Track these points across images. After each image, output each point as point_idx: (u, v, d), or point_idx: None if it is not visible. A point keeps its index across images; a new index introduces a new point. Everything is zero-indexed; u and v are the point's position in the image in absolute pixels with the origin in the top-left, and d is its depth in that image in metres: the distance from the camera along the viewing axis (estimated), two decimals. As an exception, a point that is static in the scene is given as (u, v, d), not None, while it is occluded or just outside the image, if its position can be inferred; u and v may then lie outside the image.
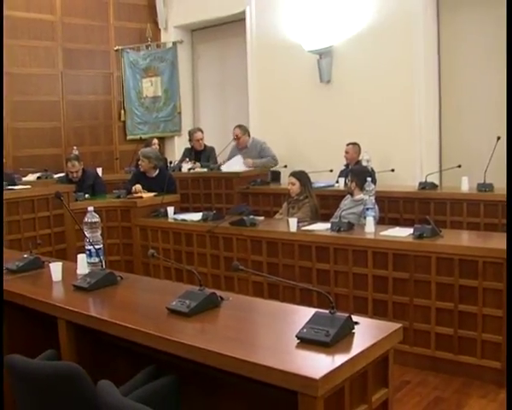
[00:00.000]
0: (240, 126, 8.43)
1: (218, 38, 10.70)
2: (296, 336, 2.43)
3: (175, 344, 2.65)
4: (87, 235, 3.72)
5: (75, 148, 9.17)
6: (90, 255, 3.76)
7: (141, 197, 6.90)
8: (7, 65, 9.51)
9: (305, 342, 2.40)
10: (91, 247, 3.71)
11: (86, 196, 7.21)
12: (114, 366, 3.28)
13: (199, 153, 8.75)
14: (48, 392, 2.60)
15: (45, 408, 2.65)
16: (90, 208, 3.81)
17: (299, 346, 2.39)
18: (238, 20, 9.84)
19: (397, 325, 2.55)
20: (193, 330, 2.80)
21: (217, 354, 2.45)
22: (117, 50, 10.79)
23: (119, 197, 7.06)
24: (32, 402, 2.69)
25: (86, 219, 3.78)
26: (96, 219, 3.78)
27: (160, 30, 11.10)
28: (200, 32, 10.98)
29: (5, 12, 9.45)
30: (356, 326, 2.50)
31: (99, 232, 3.80)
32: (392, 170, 7.14)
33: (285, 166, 7.94)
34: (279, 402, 2.42)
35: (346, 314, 2.49)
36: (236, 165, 7.95)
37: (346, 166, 7.57)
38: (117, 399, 2.29)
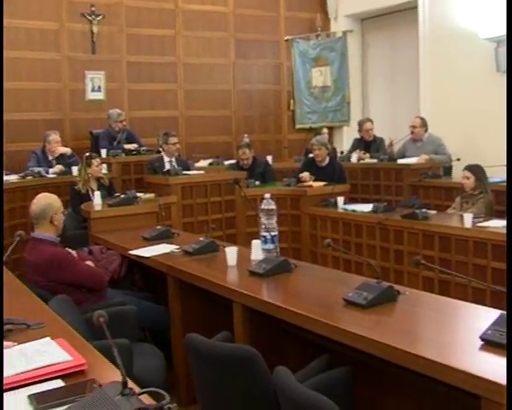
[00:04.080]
0: (420, 118, 8.20)
1: (389, 27, 10.47)
2: (480, 338, 2.31)
3: (351, 335, 2.61)
4: (263, 221, 3.75)
5: (246, 135, 9.33)
6: (265, 242, 3.79)
7: (311, 186, 6.89)
8: (182, 55, 9.89)
9: (490, 344, 2.28)
10: (267, 233, 3.73)
11: (256, 183, 7.32)
12: (285, 352, 3.30)
13: (368, 143, 8.61)
14: (224, 372, 2.65)
15: (220, 387, 2.71)
16: (267, 195, 3.85)
17: (482, 348, 2.28)
18: (410, 8, 9.58)
19: None
20: (369, 322, 2.76)
21: (390, 348, 2.40)
22: (287, 40, 10.86)
23: (288, 185, 7.10)
24: (208, 379, 2.76)
25: (263, 206, 3.82)
26: (273, 206, 3.81)
27: (329, 19, 11.04)
28: (370, 20, 10.80)
29: (181, 5, 9.83)
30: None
31: (275, 219, 3.83)
32: None
33: (458, 160, 7.62)
34: (450, 404, 2.33)
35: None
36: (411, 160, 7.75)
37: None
38: (293, 386, 2.29)
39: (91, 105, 9.27)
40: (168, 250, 4.40)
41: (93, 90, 9.32)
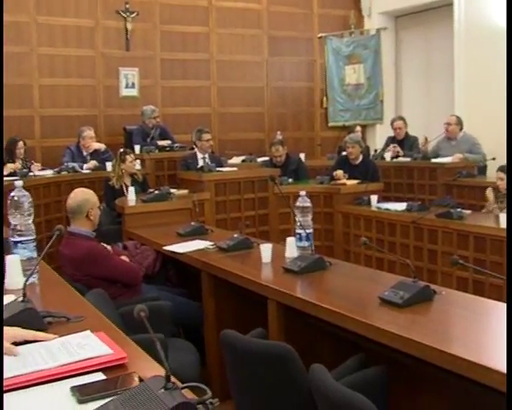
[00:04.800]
0: (456, 116, 8.12)
1: (423, 24, 10.39)
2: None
3: (387, 334, 2.60)
4: (298, 219, 3.74)
5: (279, 133, 9.33)
6: (300, 239, 3.79)
7: (344, 184, 6.87)
8: (216, 52, 9.92)
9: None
10: (302, 231, 3.73)
11: (290, 180, 7.31)
12: (318, 350, 3.29)
13: (401, 142, 8.56)
14: (259, 369, 2.65)
15: (255, 384, 2.71)
16: (303, 193, 3.84)
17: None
18: (445, 5, 9.50)
19: None
20: (405, 321, 2.74)
21: (427, 347, 2.39)
22: (320, 38, 10.84)
23: (322, 183, 7.08)
24: (243, 376, 2.76)
25: (298, 204, 3.81)
26: (308, 203, 3.80)
27: (363, 17, 10.99)
28: (405, 18, 10.73)
29: (215, 3, 9.87)
30: None
31: (310, 217, 3.83)
32: None
33: (493, 159, 7.52)
34: (484, 404, 2.31)
35: None
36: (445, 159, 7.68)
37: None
38: (330, 384, 2.28)
39: (125, 101, 9.36)
40: (202, 247, 4.42)
41: (127, 86, 9.40)
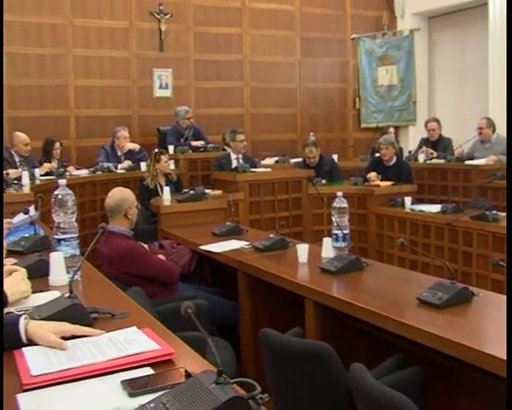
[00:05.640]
0: (487, 118, 8.06)
1: (457, 25, 10.33)
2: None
3: (426, 334, 2.60)
4: (335, 219, 3.76)
5: (312, 134, 9.34)
6: (336, 239, 3.80)
7: (378, 185, 6.86)
8: (249, 53, 9.96)
9: None
10: (339, 231, 3.74)
11: (323, 181, 7.32)
12: (355, 349, 3.30)
13: (435, 143, 8.51)
14: (297, 367, 2.67)
15: (295, 382, 2.73)
16: (340, 193, 3.87)
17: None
18: (480, 6, 9.44)
19: None
20: (443, 322, 2.74)
21: (467, 348, 2.40)
22: (353, 39, 10.84)
23: (355, 184, 7.07)
24: (282, 375, 2.79)
25: (335, 204, 3.83)
26: (345, 204, 3.82)
27: (396, 18, 10.97)
28: (438, 18, 10.68)
29: (248, 4, 9.90)
30: None
31: (346, 217, 3.84)
32: None
33: (529, 161, 7.47)
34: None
35: None
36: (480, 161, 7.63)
37: None
38: (371, 383, 2.29)
39: (158, 102, 9.44)
40: (238, 246, 4.45)
41: (160, 87, 9.49)
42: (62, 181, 3.00)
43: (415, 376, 2.73)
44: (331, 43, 10.75)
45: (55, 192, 2.95)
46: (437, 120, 8.72)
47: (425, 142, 8.66)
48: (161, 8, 9.37)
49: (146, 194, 6.70)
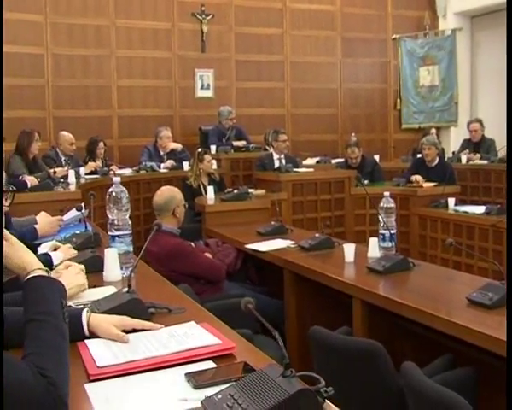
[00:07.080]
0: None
1: (500, 25, 10.19)
2: None
3: (477, 334, 2.60)
4: (382, 219, 3.77)
5: (353, 134, 9.33)
6: (383, 239, 3.81)
7: (421, 186, 6.82)
8: (290, 54, 9.99)
9: None
10: (386, 231, 3.75)
11: (365, 182, 7.30)
12: (402, 348, 3.30)
13: (477, 144, 8.44)
14: (347, 365, 2.69)
15: (345, 380, 2.74)
16: (387, 193, 3.88)
17: None
18: (524, 5, 9.31)
19: None
20: (493, 322, 2.73)
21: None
22: (394, 39, 10.79)
23: (398, 185, 7.04)
24: (333, 372, 2.80)
25: (382, 204, 3.84)
26: (392, 204, 3.83)
27: (437, 17, 10.90)
28: (481, 18, 10.56)
29: (289, 4, 9.93)
30: None
31: (393, 217, 3.85)
32: None
33: None
34: None
35: None
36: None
37: None
38: (424, 381, 2.30)
39: (200, 102, 9.52)
40: (284, 245, 4.47)
41: (202, 87, 9.57)
42: (117, 179, 3.07)
43: (467, 376, 2.73)
44: (372, 44, 10.73)
45: (110, 189, 3.01)
46: (479, 121, 8.65)
47: (467, 142, 8.60)
48: (203, 9, 9.45)
49: (189, 193, 6.74)
